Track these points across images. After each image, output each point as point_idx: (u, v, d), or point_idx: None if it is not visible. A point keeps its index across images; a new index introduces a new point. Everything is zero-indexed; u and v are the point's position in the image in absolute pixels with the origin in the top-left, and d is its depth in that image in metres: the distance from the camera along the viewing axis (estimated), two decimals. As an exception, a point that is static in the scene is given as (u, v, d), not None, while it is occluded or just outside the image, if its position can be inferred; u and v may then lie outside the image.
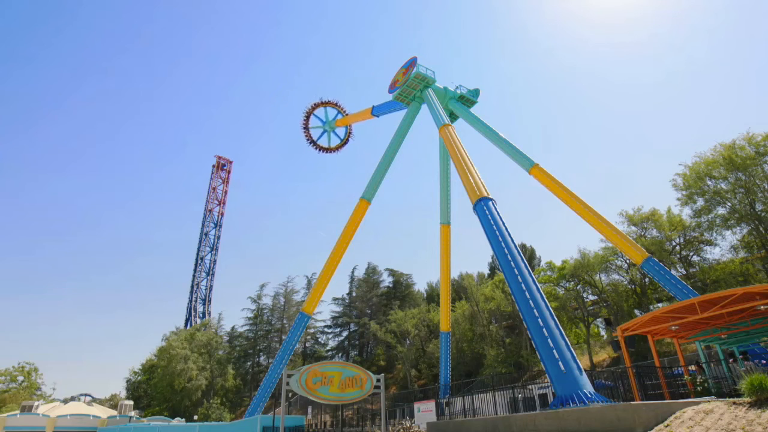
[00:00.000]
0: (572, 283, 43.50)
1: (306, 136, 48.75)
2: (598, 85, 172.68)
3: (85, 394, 48.78)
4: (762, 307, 15.34)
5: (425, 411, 28.67)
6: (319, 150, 49.79)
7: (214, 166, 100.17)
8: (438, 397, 33.17)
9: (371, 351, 71.69)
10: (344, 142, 50.56)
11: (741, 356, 19.03)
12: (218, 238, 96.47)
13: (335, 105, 49.22)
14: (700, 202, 35.75)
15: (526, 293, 17.47)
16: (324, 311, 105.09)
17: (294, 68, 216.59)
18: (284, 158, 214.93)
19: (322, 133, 49.83)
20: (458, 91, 39.93)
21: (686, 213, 37.71)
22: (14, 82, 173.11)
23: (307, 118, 48.41)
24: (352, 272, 78.91)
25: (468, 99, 40.21)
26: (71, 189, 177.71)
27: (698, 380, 16.60)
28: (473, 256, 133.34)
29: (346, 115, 49.04)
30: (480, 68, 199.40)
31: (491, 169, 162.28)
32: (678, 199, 37.13)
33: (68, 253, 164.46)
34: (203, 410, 56.95)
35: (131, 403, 45.48)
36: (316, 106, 48.53)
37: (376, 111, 44.48)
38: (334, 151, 50.43)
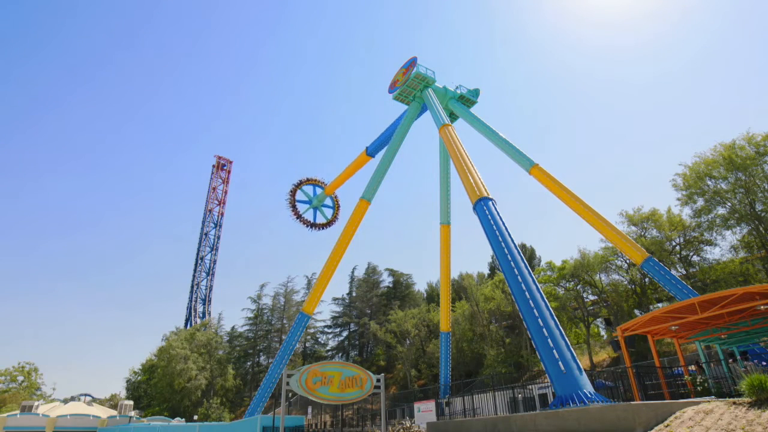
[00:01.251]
0: (572, 283, 43.47)
1: (302, 223, 45.79)
2: (598, 85, 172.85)
3: (85, 394, 48.70)
4: (762, 307, 15.33)
5: (425, 411, 28.64)
6: (319, 228, 47.01)
7: (214, 166, 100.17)
8: (438, 397, 33.18)
9: (371, 351, 71.66)
10: (337, 209, 47.96)
11: (741, 356, 19.05)
12: (218, 238, 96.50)
13: (308, 181, 46.47)
14: (700, 202, 35.75)
15: (526, 293, 17.47)
16: (324, 311, 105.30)
17: (294, 68, 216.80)
18: (284, 158, 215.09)
19: (314, 212, 47.03)
20: (458, 91, 39.94)
21: (686, 213, 37.75)
22: (14, 82, 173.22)
23: (294, 207, 45.36)
24: (352, 272, 79.00)
25: (468, 99, 40.23)
26: (71, 189, 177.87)
27: (698, 380, 16.60)
28: (473, 256, 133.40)
29: (325, 185, 46.53)
30: (480, 68, 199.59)
31: (491, 169, 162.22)
32: (678, 199, 37.17)
33: (68, 253, 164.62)
34: (203, 410, 56.99)
35: (131, 403, 45.42)
36: (293, 192, 45.43)
37: (371, 150, 42.73)
38: (333, 223, 47.65)
